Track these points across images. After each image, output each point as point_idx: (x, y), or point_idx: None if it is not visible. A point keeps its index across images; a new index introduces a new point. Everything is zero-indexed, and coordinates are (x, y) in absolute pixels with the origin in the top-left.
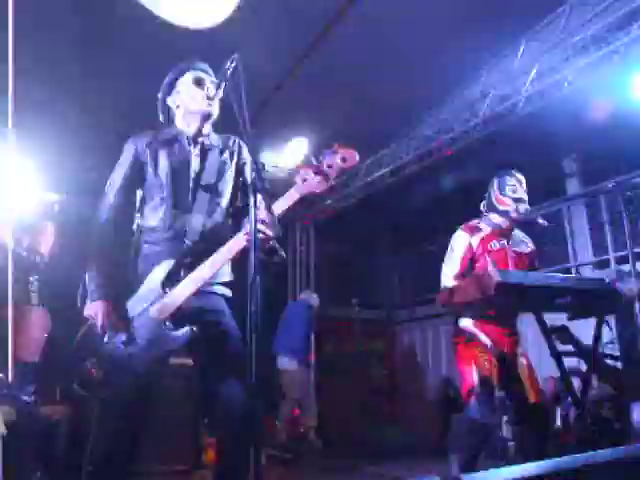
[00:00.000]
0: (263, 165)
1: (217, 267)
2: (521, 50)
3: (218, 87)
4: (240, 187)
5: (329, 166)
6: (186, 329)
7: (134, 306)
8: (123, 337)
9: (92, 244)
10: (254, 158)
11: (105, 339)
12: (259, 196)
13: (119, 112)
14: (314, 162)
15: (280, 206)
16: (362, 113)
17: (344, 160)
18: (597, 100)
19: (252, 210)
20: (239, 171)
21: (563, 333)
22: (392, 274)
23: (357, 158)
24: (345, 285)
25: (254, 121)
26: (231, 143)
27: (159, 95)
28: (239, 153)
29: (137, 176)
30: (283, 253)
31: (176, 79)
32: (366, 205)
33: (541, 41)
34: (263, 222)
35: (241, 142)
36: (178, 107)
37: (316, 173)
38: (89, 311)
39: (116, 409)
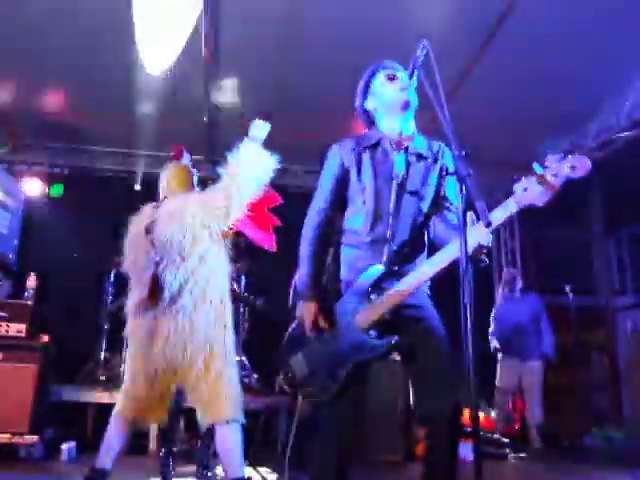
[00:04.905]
0: (466, 153)
1: (427, 278)
2: None
3: (411, 76)
4: (439, 194)
5: (554, 175)
6: (389, 338)
7: (338, 309)
8: (328, 338)
9: (304, 247)
10: (455, 144)
11: (312, 338)
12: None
13: None
14: (538, 170)
15: (497, 218)
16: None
17: (573, 168)
18: None
19: (459, 198)
20: (441, 177)
21: None
22: (608, 256)
23: (589, 166)
24: (555, 271)
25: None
26: (435, 149)
27: (356, 103)
28: (442, 159)
29: (343, 181)
30: (487, 260)
31: (368, 82)
32: (575, 184)
33: None
34: (481, 247)
35: (444, 148)
36: (376, 109)
37: (539, 182)
38: (299, 311)
39: (326, 411)
